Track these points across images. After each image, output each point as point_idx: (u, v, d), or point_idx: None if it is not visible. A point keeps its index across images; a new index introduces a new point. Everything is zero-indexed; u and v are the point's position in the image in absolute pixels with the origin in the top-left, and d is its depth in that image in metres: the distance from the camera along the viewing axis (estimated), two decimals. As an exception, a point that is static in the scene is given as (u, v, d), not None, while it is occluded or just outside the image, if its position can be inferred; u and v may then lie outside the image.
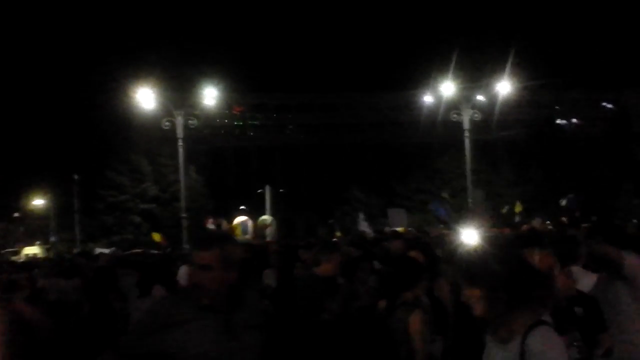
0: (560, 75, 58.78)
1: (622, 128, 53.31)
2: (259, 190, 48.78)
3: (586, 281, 5.07)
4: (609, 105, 68.08)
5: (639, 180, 46.02)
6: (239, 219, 57.47)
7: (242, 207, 58.30)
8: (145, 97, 32.47)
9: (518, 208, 33.91)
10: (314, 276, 5.86)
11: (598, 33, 78.96)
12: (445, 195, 31.08)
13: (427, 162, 51.30)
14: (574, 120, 70.50)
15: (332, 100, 67.63)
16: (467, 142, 35.64)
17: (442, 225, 23.25)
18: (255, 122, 68.23)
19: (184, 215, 32.87)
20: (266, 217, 56.87)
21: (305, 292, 5.75)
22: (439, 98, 37.94)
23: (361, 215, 24.38)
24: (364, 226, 23.31)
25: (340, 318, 5.44)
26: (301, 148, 66.18)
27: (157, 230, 37.56)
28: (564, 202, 27.98)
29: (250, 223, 31.98)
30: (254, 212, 56.50)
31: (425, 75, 40.48)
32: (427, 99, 40.63)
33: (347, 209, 49.03)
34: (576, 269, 5.10)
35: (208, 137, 58.49)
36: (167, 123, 32.81)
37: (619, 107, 61.68)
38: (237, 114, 67.15)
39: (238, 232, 17.25)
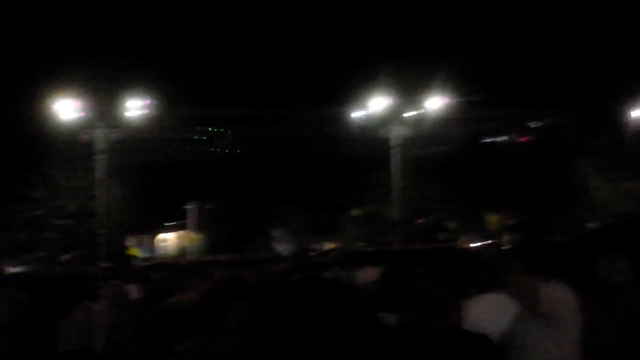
0: (491, 92, 59.31)
1: (551, 145, 54.03)
2: (186, 207, 47.68)
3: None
4: (538, 123, 69.16)
5: (568, 197, 46.66)
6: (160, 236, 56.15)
7: (167, 223, 57.16)
8: (63, 108, 31.11)
9: (451, 225, 33.91)
10: None
11: (528, 51, 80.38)
12: (354, 212, 30.49)
13: (357, 178, 50.91)
14: (503, 137, 71.36)
15: (263, 114, 66.75)
16: (394, 158, 35.38)
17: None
18: (186, 136, 66.70)
19: (101, 231, 31.46)
20: (191, 234, 55.83)
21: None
22: (369, 113, 37.74)
23: (274, 233, 22.88)
24: (281, 244, 21.86)
25: None
26: (230, 162, 65.01)
27: (74, 247, 36.05)
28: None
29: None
30: (180, 228, 55.51)
31: (357, 90, 40.25)
32: (358, 114, 40.38)
33: (275, 225, 48.28)
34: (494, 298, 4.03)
35: (136, 150, 56.80)
36: (85, 135, 31.43)
37: (546, 126, 62.64)
38: (169, 128, 65.62)
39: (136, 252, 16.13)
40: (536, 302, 3.61)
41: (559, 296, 3.73)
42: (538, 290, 3.62)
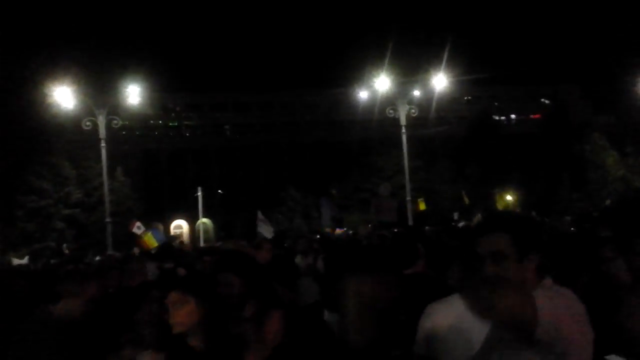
0: (497, 71, 58.85)
1: (559, 123, 53.41)
2: (196, 194, 47.44)
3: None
4: (547, 101, 68.51)
5: (576, 174, 46.12)
6: (175, 223, 56.07)
7: (176, 210, 57.03)
8: (64, 96, 30.66)
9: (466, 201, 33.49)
10: None
11: (535, 29, 79.68)
12: (333, 191, 29.92)
13: (365, 160, 50.47)
14: (512, 115, 70.85)
15: (268, 99, 66.51)
16: (404, 139, 34.73)
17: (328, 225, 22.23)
18: (190, 123, 66.49)
19: (108, 219, 31.06)
20: (205, 221, 55.69)
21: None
22: (374, 94, 37.09)
23: (260, 215, 22.01)
24: (263, 228, 21.06)
25: None
26: (237, 148, 64.83)
27: (82, 236, 35.81)
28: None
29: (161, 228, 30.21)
30: (190, 215, 55.30)
31: (360, 71, 39.66)
32: (363, 95, 39.72)
33: (284, 209, 47.94)
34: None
35: (140, 138, 56.69)
36: (88, 123, 30.97)
37: (557, 102, 62.04)
38: (172, 115, 65.45)
39: (152, 242, 15.69)
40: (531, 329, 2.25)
41: (559, 312, 2.32)
42: (533, 315, 2.21)
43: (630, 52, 48.23)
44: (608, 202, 32.34)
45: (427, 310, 3.16)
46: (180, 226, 58.42)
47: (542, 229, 2.93)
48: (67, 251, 29.37)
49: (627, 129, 47.44)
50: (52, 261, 21.88)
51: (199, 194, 45.28)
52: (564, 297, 2.48)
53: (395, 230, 13.64)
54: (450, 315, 2.98)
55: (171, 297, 3.38)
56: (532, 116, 67.05)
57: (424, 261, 4.60)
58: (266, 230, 20.36)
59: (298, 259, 10.22)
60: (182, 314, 3.33)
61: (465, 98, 65.23)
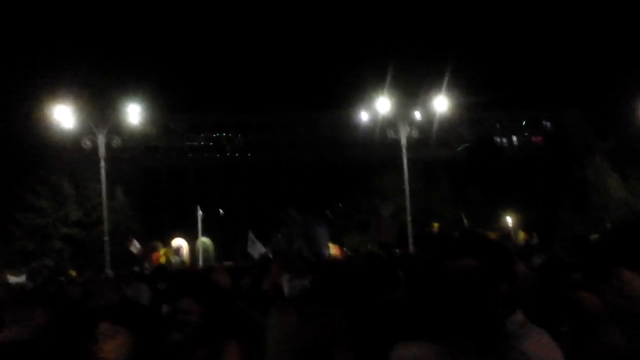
0: (499, 94, 58.91)
1: (561, 146, 53.38)
2: (197, 213, 47.31)
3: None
4: (548, 124, 68.54)
5: (578, 198, 45.94)
6: (175, 242, 55.90)
7: (176, 229, 56.83)
8: (64, 114, 30.65)
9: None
10: None
11: (537, 52, 79.85)
12: (328, 212, 29.73)
13: (366, 181, 50.33)
14: (514, 138, 70.83)
15: (270, 120, 66.57)
16: (404, 160, 34.63)
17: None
18: (193, 143, 66.57)
19: (106, 238, 30.91)
20: (205, 240, 55.49)
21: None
22: (375, 115, 37.09)
23: (250, 235, 21.91)
24: (253, 249, 20.88)
25: None
26: (239, 168, 64.78)
27: (80, 255, 35.67)
28: None
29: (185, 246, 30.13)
30: (190, 234, 55.12)
31: (362, 92, 39.70)
32: (364, 116, 39.73)
33: (284, 229, 47.71)
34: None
35: (141, 157, 56.67)
36: (87, 142, 30.92)
37: (558, 125, 62.06)
38: (173, 135, 65.51)
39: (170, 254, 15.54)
40: None
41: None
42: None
43: (631, 75, 48.19)
44: (608, 225, 32.22)
45: (396, 348, 2.75)
46: (179, 245, 58.24)
47: (514, 257, 2.52)
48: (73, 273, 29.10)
49: (628, 151, 47.31)
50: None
51: (199, 212, 45.17)
52: (547, 344, 2.26)
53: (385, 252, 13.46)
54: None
55: (100, 327, 3.04)
56: (534, 139, 67.08)
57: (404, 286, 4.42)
58: (256, 251, 20.24)
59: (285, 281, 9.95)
60: (110, 347, 2.99)
61: (467, 120, 65.27)
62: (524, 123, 70.53)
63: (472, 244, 2.36)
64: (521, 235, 33.99)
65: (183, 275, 10.89)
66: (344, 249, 32.82)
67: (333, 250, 28.65)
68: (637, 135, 44.99)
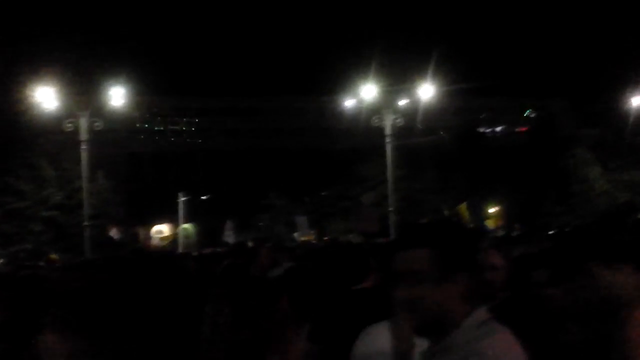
0: (485, 82, 58.71)
1: (545, 136, 53.42)
2: (179, 198, 47.08)
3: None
4: (534, 113, 68.56)
5: (561, 188, 46.07)
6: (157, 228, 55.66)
7: (160, 214, 56.53)
8: (46, 96, 30.30)
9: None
10: None
11: (523, 40, 79.73)
12: (306, 199, 29.59)
13: (350, 168, 50.21)
14: (499, 127, 70.84)
15: (254, 105, 66.13)
16: (388, 148, 34.58)
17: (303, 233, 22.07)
18: (176, 127, 66.05)
19: (86, 223, 30.67)
20: (187, 226, 55.24)
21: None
22: (361, 102, 37.00)
23: (228, 224, 21.90)
24: (229, 236, 20.90)
25: None
26: (223, 153, 64.41)
27: (60, 239, 35.42)
28: None
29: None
30: (173, 220, 54.88)
31: (347, 79, 39.56)
32: (349, 103, 39.62)
33: (267, 216, 47.68)
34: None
35: (124, 141, 56.10)
36: (69, 125, 30.60)
37: (543, 114, 62.09)
38: (158, 118, 64.98)
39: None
40: None
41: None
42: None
43: (616, 66, 48.30)
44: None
45: (362, 334, 2.73)
46: (160, 231, 57.83)
47: (476, 244, 2.26)
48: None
49: (611, 143, 47.49)
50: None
51: (181, 198, 44.95)
52: (509, 344, 2.05)
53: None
54: (387, 340, 2.30)
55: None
56: (519, 128, 67.07)
57: (378, 275, 4.27)
58: (233, 240, 20.17)
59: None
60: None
61: (452, 107, 65.25)
62: (509, 112, 70.55)
63: (424, 231, 2.16)
64: (491, 223, 33.94)
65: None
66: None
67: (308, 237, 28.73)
68: (622, 128, 45.20)
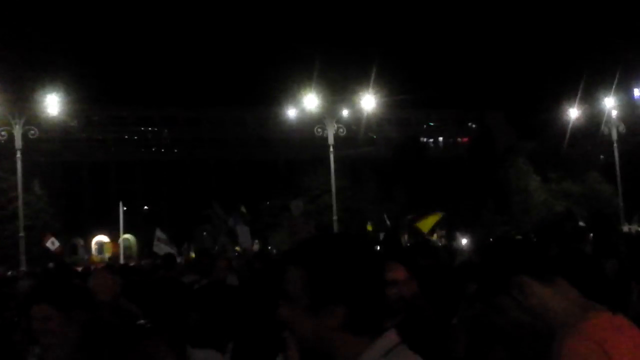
0: (426, 94, 59.45)
1: (485, 147, 54.25)
2: (120, 209, 46.12)
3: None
4: (474, 125, 69.64)
5: (500, 198, 46.75)
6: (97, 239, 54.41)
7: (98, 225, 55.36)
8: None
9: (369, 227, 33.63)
10: None
11: (463, 53, 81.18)
12: (243, 209, 29.21)
13: (293, 179, 50.02)
14: (440, 138, 71.76)
15: (196, 115, 65.49)
16: (331, 158, 34.52)
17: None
18: (116, 136, 64.84)
19: (21, 234, 29.71)
20: (128, 237, 54.17)
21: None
22: (303, 112, 36.87)
23: (158, 233, 21.21)
24: (159, 247, 20.23)
25: None
26: (163, 163, 63.54)
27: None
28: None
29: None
30: (112, 230, 53.74)
31: (289, 89, 39.39)
32: (291, 113, 39.45)
33: (208, 227, 46.97)
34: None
35: (60, 150, 54.82)
36: (3, 133, 29.63)
37: (483, 126, 63.10)
38: (96, 127, 63.68)
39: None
40: None
41: None
42: None
43: (554, 80, 49.43)
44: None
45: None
46: (101, 242, 56.68)
47: (374, 269, 1.76)
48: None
49: (549, 154, 48.46)
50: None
51: (121, 209, 44.03)
52: None
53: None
54: None
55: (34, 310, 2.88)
56: (460, 140, 68.03)
57: None
58: (162, 250, 19.61)
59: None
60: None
61: (394, 118, 65.82)
62: (450, 123, 71.52)
63: (297, 249, 1.76)
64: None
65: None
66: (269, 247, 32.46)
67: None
68: (558, 139, 46.16)
